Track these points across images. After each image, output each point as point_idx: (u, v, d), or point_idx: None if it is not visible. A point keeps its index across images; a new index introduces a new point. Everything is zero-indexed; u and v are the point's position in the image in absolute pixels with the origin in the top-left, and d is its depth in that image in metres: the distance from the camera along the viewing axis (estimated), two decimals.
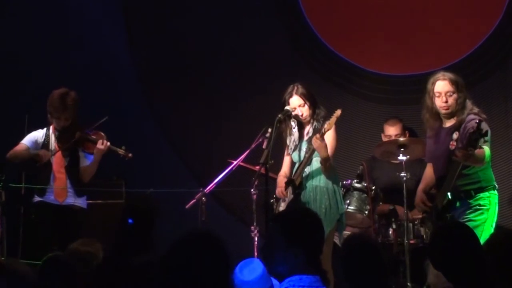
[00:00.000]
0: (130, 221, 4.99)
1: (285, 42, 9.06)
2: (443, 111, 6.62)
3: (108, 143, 7.58)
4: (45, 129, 7.67)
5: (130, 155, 7.64)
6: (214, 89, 9.08)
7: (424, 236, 7.73)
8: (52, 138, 7.62)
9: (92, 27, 9.25)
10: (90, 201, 7.91)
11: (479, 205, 6.55)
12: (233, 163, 7.29)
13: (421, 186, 6.92)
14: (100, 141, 7.54)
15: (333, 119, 6.89)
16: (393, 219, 7.73)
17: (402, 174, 7.44)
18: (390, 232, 7.80)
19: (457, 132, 6.56)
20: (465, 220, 6.40)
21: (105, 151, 7.57)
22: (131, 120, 9.14)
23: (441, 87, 6.60)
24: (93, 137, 7.59)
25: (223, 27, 9.14)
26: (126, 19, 9.36)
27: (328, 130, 6.86)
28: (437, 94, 6.62)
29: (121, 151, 7.63)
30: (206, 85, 9.11)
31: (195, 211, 7.19)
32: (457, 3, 8.72)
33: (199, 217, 7.15)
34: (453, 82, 6.59)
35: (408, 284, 7.22)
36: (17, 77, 9.01)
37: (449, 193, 6.53)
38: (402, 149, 7.55)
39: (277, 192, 7.06)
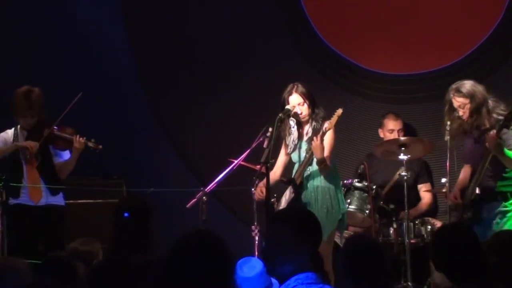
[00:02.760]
0: (125, 214, 5.01)
1: (287, 42, 9.06)
2: (467, 122, 6.88)
3: (83, 139, 7.46)
4: (13, 129, 7.57)
5: (100, 147, 7.52)
6: (215, 88, 9.07)
7: (425, 235, 7.80)
8: (21, 138, 7.52)
9: (93, 27, 9.22)
10: (90, 200, 7.95)
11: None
12: (234, 162, 7.29)
13: (457, 185, 7.09)
14: (75, 139, 7.42)
15: (335, 118, 6.95)
16: (393, 219, 7.76)
17: (403, 174, 7.50)
18: (391, 232, 7.83)
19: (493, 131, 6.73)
20: (495, 222, 6.64)
21: (83, 147, 7.47)
22: (132, 119, 9.14)
23: (455, 103, 6.90)
24: (65, 134, 7.48)
25: (224, 26, 9.13)
26: (126, 18, 9.33)
27: (329, 129, 6.91)
28: (457, 109, 6.91)
29: (91, 144, 7.50)
30: (207, 84, 9.10)
31: (196, 210, 7.18)
32: (458, 3, 8.73)
33: (200, 217, 7.14)
34: (462, 95, 6.85)
35: (409, 283, 7.25)
36: (19, 77, 8.75)
37: (477, 188, 6.76)
38: (403, 149, 7.58)
39: (257, 193, 7.03)
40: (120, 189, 8.38)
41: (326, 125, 6.92)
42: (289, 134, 7.11)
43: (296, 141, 7.12)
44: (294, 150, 7.13)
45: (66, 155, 7.61)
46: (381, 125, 8.33)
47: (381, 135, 8.32)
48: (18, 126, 7.55)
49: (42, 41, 9.12)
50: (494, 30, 8.58)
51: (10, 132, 7.56)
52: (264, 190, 6.93)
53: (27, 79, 8.49)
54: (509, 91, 8.21)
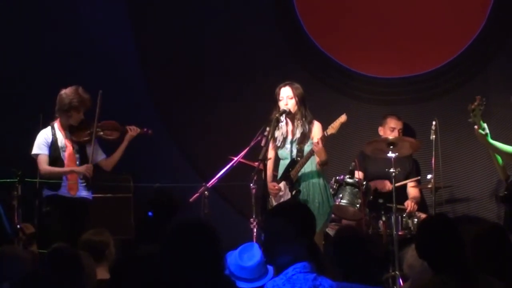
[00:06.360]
0: (150, 214, 5.03)
1: (282, 48, 9.16)
2: None
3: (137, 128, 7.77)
4: (49, 128, 7.64)
5: (150, 131, 7.86)
6: (217, 91, 9.14)
7: (412, 228, 7.97)
8: (60, 135, 7.60)
9: (99, 25, 9.25)
10: (101, 195, 8.11)
11: None
12: (233, 159, 7.48)
13: None
14: (129, 127, 7.73)
15: (337, 124, 7.16)
16: (383, 212, 7.93)
17: (392, 170, 7.69)
18: (380, 224, 8.00)
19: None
20: None
21: (136, 134, 7.76)
22: (139, 120, 8.82)
23: None
24: (111, 125, 7.75)
25: (224, 28, 9.18)
26: (132, 18, 9.36)
27: (330, 133, 7.15)
28: None
29: (142, 131, 7.85)
30: (209, 87, 9.16)
31: (199, 204, 7.33)
32: (444, 10, 8.84)
33: (202, 210, 7.29)
34: None
35: (397, 272, 7.41)
36: (31, 76, 9.02)
37: None
38: (391, 147, 7.76)
39: (270, 189, 7.22)
40: (128, 184, 8.53)
41: (329, 129, 7.15)
42: (278, 129, 7.31)
43: (285, 136, 7.34)
44: (281, 145, 7.34)
45: (102, 155, 7.83)
46: (382, 123, 8.41)
47: (381, 132, 8.40)
48: (55, 124, 7.62)
49: (48, 40, 9.14)
50: (478, 36, 8.72)
51: (47, 132, 7.61)
52: (277, 187, 7.26)
53: (40, 77, 8.62)
54: (488, 93, 8.26)
